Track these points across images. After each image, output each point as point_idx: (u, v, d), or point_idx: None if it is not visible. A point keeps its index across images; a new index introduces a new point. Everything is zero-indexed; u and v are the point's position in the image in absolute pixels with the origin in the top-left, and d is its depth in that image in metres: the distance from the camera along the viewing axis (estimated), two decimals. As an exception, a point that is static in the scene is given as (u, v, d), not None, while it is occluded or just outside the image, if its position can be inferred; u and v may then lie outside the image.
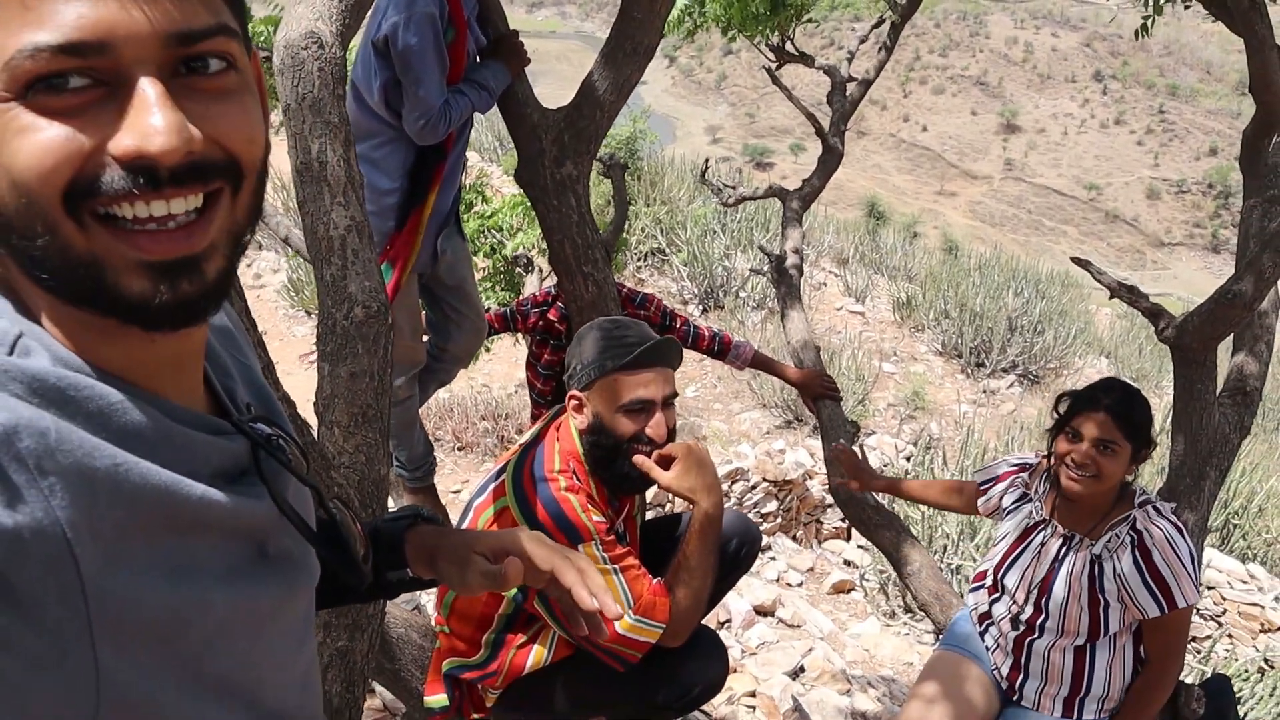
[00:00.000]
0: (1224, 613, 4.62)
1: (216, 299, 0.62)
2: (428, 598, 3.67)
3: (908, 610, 4.63)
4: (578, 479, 1.88)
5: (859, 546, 5.36)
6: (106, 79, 0.56)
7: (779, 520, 5.32)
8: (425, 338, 3.08)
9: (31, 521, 0.51)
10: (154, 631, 0.59)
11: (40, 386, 0.55)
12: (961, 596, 2.70)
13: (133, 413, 0.59)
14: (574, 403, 1.94)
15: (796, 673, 3.59)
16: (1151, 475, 5.65)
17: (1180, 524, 2.15)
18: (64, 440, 0.54)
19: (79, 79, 0.55)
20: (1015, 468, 2.48)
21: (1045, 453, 2.33)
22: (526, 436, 2.07)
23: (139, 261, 0.58)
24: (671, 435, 1.93)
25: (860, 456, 2.88)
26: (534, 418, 3.23)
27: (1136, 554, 2.11)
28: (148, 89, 0.56)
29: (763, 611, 4.16)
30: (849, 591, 4.89)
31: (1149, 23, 3.35)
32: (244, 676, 0.68)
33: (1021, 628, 2.32)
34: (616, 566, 1.82)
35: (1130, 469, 2.17)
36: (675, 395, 1.94)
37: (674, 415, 1.95)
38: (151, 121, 0.55)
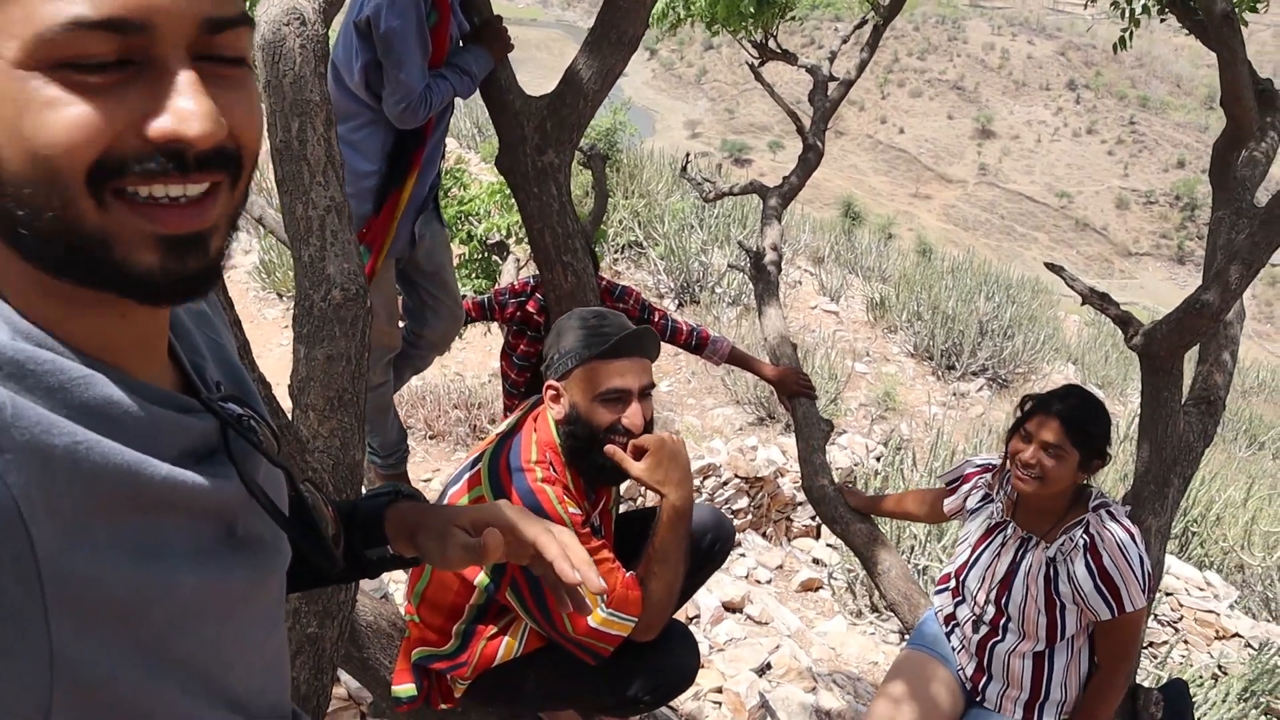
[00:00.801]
0: (1180, 619, 4.69)
1: (217, 274, 0.63)
2: (396, 587, 3.64)
3: (874, 610, 4.66)
4: (554, 470, 1.87)
5: (828, 545, 5.39)
6: (137, 58, 0.55)
7: (749, 517, 5.34)
8: (401, 323, 3.05)
9: None
10: (115, 611, 0.57)
11: None
12: (929, 597, 2.72)
13: (95, 389, 0.58)
14: (551, 393, 1.93)
15: (763, 670, 3.61)
16: (1114, 482, 5.73)
17: (1132, 528, 2.19)
18: (20, 416, 0.52)
19: (110, 55, 0.54)
20: (979, 468, 2.51)
21: (1003, 453, 2.37)
22: (503, 426, 2.06)
23: (154, 235, 0.57)
24: (649, 426, 1.93)
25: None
26: (507, 409, 3.22)
27: (1089, 557, 2.15)
28: (185, 73, 0.56)
29: (731, 608, 4.17)
30: (817, 590, 4.92)
31: (1128, 35, 3.39)
32: (211, 660, 0.67)
33: (984, 629, 2.35)
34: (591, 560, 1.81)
35: (1079, 476, 2.20)
36: (652, 386, 1.93)
37: (651, 406, 1.94)
38: (190, 106, 0.55)
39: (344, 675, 2.87)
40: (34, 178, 0.54)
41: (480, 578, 1.86)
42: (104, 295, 0.59)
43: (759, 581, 4.76)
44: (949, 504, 2.57)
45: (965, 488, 2.52)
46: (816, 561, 5.26)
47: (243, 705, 0.72)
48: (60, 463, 0.54)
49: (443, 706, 2.05)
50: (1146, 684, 2.51)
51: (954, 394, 8.68)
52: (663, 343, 3.16)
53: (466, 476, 1.93)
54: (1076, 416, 2.17)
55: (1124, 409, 8.54)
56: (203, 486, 0.64)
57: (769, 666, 3.63)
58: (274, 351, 7.27)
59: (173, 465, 0.62)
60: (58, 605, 0.54)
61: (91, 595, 0.56)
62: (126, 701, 0.59)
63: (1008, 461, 2.28)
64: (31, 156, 0.53)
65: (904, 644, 2.63)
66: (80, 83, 0.53)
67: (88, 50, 0.53)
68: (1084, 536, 2.17)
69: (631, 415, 1.86)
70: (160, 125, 0.55)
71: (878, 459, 6.39)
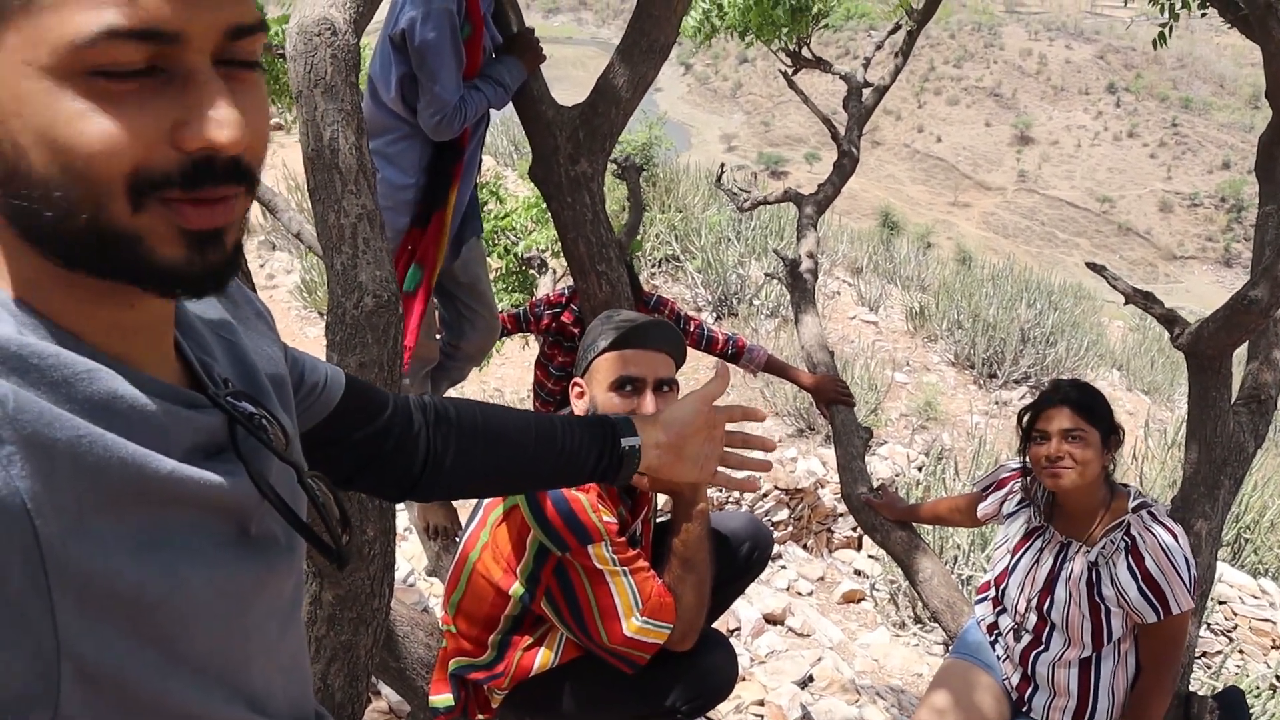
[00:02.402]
0: (1235, 628, 4.57)
1: (235, 268, 0.64)
2: (435, 600, 3.65)
3: (918, 621, 4.60)
4: None
5: (869, 556, 5.33)
6: (166, 66, 0.56)
7: (790, 529, 5.29)
8: (438, 335, 3.07)
9: None
10: (121, 604, 0.57)
11: (1, 354, 0.53)
12: (972, 604, 2.68)
13: (100, 382, 0.58)
14: (576, 390, 1.94)
15: (805, 682, 3.57)
16: (1163, 488, 5.61)
17: (1175, 528, 2.14)
18: (23, 409, 0.52)
19: (139, 64, 0.55)
20: (1015, 471, 2.48)
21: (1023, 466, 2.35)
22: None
23: (180, 230, 0.59)
24: None
25: (883, 496, 2.92)
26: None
27: (1130, 560, 2.11)
28: (214, 81, 0.57)
29: (772, 620, 4.13)
30: (859, 601, 4.86)
31: (1167, 30, 3.33)
32: (226, 657, 0.67)
33: (1025, 637, 2.31)
34: (626, 568, 1.80)
35: (1106, 457, 2.19)
36: (672, 382, 1.90)
37: (671, 402, 1.91)
38: (221, 115, 0.56)
39: (386, 690, 2.88)
40: (66, 183, 0.55)
41: (515, 587, 1.85)
42: (116, 287, 0.60)
43: (800, 593, 4.72)
44: (983, 509, 2.53)
45: (1000, 493, 2.49)
46: (858, 573, 5.20)
47: (261, 703, 0.71)
48: (63, 456, 0.53)
49: (480, 717, 2.05)
50: (1201, 693, 2.45)
51: (996, 402, 8.56)
52: (700, 352, 3.16)
53: None
54: (1078, 397, 2.19)
55: (1171, 415, 8.36)
56: (209, 483, 0.64)
57: (811, 679, 3.59)
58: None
59: (179, 461, 0.61)
60: (63, 597, 0.53)
61: (97, 587, 0.55)
62: (136, 694, 0.59)
63: (1033, 470, 2.26)
64: (64, 165, 0.54)
65: (948, 653, 2.59)
66: (109, 91, 0.54)
67: (119, 59, 0.53)
68: (1125, 539, 2.13)
69: (644, 407, 1.84)
70: (194, 134, 0.56)
71: (919, 469, 6.31)
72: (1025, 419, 2.29)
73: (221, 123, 0.56)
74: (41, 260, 0.58)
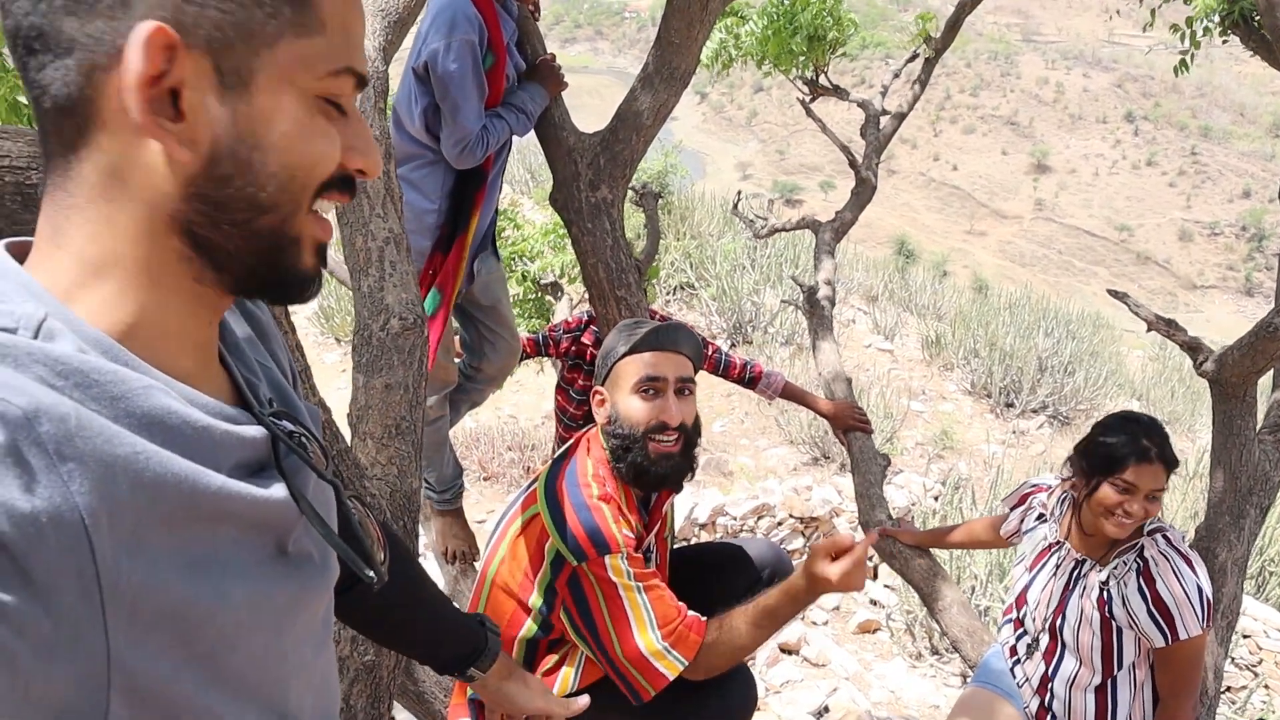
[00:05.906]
0: (1260, 662, 4.50)
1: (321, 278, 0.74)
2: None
3: (934, 652, 4.55)
4: (608, 488, 1.87)
5: (886, 586, 5.29)
6: (344, 104, 0.68)
7: (805, 557, 5.26)
8: (458, 358, 3.08)
9: (49, 506, 0.50)
10: (169, 621, 0.58)
11: (63, 370, 0.55)
12: (991, 633, 2.65)
13: (154, 398, 0.59)
14: (597, 398, 1.96)
15: (821, 712, 3.54)
16: (1184, 519, 5.55)
17: (1190, 554, 2.12)
18: (84, 426, 0.53)
19: (341, 99, 0.68)
20: (1036, 487, 2.47)
21: (1067, 477, 2.28)
22: (560, 452, 2.07)
23: (315, 241, 0.68)
24: (696, 427, 1.92)
25: (900, 526, 2.91)
26: (562, 440, 3.23)
27: (1141, 581, 2.09)
28: (363, 119, 0.71)
29: (787, 650, 4.10)
30: (875, 631, 4.82)
31: (1189, 59, 3.34)
32: (263, 676, 0.68)
33: (1040, 660, 2.28)
34: (641, 584, 1.79)
35: None
36: (691, 384, 1.92)
37: (692, 406, 1.92)
38: (372, 147, 0.70)
39: (404, 715, 2.86)
40: (281, 183, 0.64)
41: (534, 598, 1.85)
42: (220, 301, 0.67)
43: (815, 623, 4.68)
44: (1005, 527, 2.52)
45: (1021, 509, 2.48)
46: (874, 603, 5.16)
47: None
48: (122, 472, 0.54)
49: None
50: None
51: (1013, 432, 8.51)
52: (717, 378, 3.17)
53: (523, 498, 1.94)
54: (1168, 454, 2.11)
55: (1192, 445, 8.29)
56: (254, 498, 0.65)
57: (827, 709, 3.56)
58: (332, 395, 7.37)
59: (226, 477, 0.63)
60: (115, 612, 0.54)
61: (148, 603, 0.56)
62: (181, 710, 0.60)
63: (1088, 503, 2.17)
64: (288, 165, 0.64)
65: (969, 681, 2.56)
66: (327, 114, 0.66)
67: (340, 92, 0.66)
68: (1137, 560, 2.11)
69: (667, 408, 1.86)
70: (364, 160, 0.69)
71: (935, 498, 6.27)
72: (1105, 459, 2.13)
73: (369, 152, 0.69)
74: (174, 274, 0.63)
